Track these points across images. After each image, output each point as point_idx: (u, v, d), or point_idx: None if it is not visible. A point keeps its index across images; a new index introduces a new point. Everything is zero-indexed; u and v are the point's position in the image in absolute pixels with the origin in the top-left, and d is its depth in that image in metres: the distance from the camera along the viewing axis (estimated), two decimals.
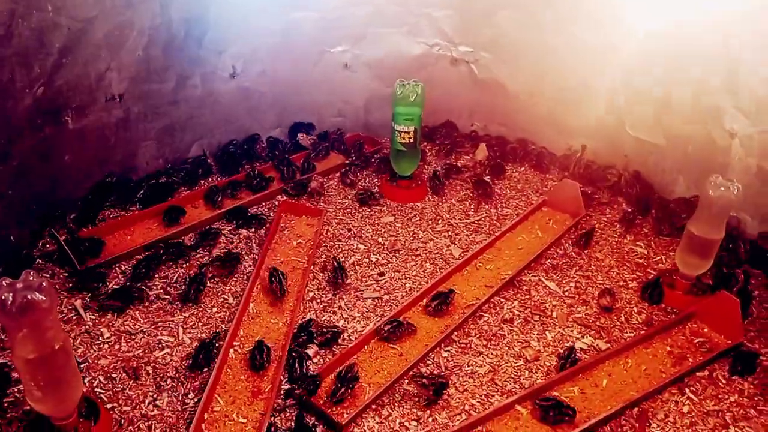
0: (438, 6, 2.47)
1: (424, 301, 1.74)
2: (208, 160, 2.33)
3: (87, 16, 1.85)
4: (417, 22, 2.50)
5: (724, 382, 1.56)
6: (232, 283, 1.78)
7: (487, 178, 2.32)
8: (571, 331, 1.69)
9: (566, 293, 1.82)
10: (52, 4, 1.75)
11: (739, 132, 1.97)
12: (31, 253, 1.79)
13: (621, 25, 2.15)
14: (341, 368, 1.49)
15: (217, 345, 1.55)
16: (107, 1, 1.89)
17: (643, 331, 1.68)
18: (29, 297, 1.11)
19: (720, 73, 1.97)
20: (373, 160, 2.42)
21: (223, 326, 1.62)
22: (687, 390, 1.52)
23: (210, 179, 2.26)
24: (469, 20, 2.48)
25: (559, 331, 1.69)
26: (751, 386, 1.54)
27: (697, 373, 1.57)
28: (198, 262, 1.84)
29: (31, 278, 1.14)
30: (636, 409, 1.47)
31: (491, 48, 2.50)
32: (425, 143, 2.57)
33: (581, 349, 1.63)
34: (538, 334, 1.68)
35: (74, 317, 1.61)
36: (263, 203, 2.17)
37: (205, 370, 1.49)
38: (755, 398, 1.51)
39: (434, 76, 2.53)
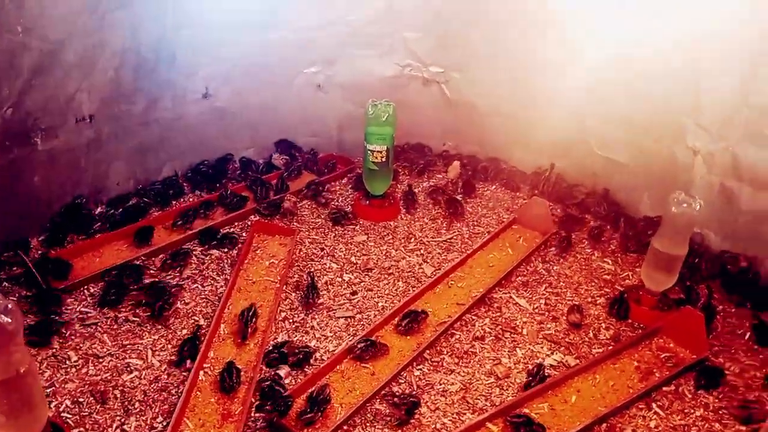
0: (409, 28, 2.51)
1: (396, 319, 1.75)
2: (180, 181, 2.32)
3: (57, 37, 1.84)
4: (389, 43, 2.54)
5: (689, 396, 1.58)
6: (203, 304, 1.78)
7: (459, 197, 2.35)
8: (542, 347, 1.71)
9: (536, 310, 1.85)
10: (21, 26, 1.74)
11: (701, 149, 2.03)
12: None
13: (586, 45, 2.20)
14: (313, 389, 1.48)
15: (200, 338, 1.61)
16: (78, 23, 1.89)
17: (611, 347, 1.71)
18: None
19: (682, 92, 2.03)
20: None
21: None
22: (654, 405, 1.55)
23: (182, 199, 2.26)
24: (440, 41, 2.52)
25: (529, 348, 1.71)
26: (716, 400, 1.57)
27: (664, 388, 1.60)
28: (168, 283, 1.83)
29: None
30: (604, 424, 1.49)
31: (462, 68, 2.54)
32: (398, 163, 2.59)
33: (551, 365, 1.65)
34: (509, 351, 1.70)
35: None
36: (236, 223, 2.16)
37: (189, 363, 1.54)
38: (720, 412, 1.54)
39: (406, 97, 2.56)
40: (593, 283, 1.97)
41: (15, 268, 1.78)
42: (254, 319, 1.67)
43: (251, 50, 2.36)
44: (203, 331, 1.66)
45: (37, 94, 1.85)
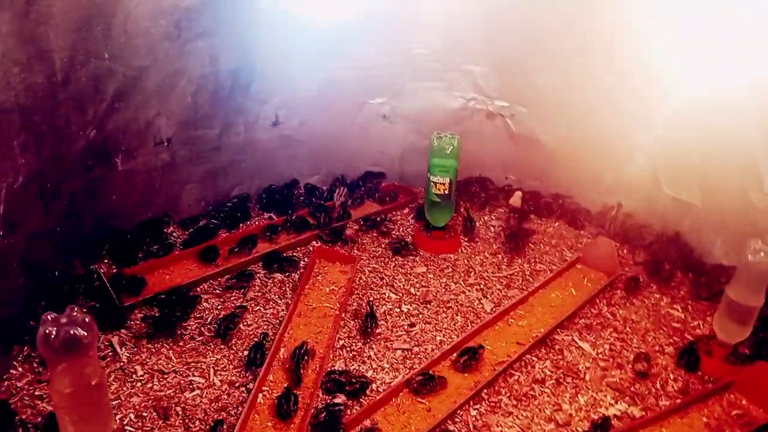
0: (475, 62, 2.52)
1: (454, 355, 1.73)
2: (250, 204, 2.39)
3: (141, 64, 1.95)
4: (454, 77, 2.55)
5: None
6: (265, 327, 1.80)
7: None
8: (605, 395, 1.65)
9: (600, 355, 1.79)
10: (108, 53, 1.85)
11: None
12: (73, 288, 1.84)
13: (658, 85, 2.17)
14: (362, 426, 1.48)
15: (267, 343, 1.70)
16: (160, 51, 1.99)
17: (678, 400, 1.63)
18: (72, 332, 1.14)
19: (758, 135, 1.96)
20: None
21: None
22: None
23: (248, 222, 2.32)
24: (506, 76, 2.52)
25: (592, 395, 1.65)
26: None
27: None
28: (233, 304, 1.88)
29: (75, 313, 1.17)
30: None
31: (527, 103, 2.53)
32: (460, 196, 2.58)
33: (614, 415, 1.59)
34: (570, 396, 1.64)
35: (110, 353, 1.65)
36: (298, 248, 2.20)
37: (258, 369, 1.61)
38: None
39: (470, 129, 2.56)
40: (661, 331, 1.89)
41: (90, 283, 1.86)
42: (306, 358, 1.66)
43: (320, 82, 2.42)
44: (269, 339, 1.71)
45: (119, 117, 1.95)
